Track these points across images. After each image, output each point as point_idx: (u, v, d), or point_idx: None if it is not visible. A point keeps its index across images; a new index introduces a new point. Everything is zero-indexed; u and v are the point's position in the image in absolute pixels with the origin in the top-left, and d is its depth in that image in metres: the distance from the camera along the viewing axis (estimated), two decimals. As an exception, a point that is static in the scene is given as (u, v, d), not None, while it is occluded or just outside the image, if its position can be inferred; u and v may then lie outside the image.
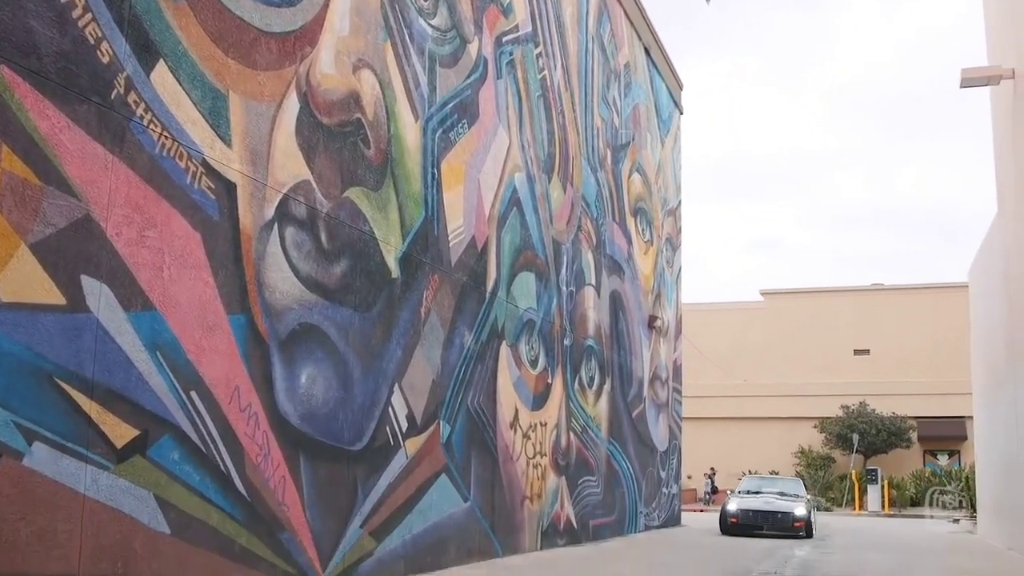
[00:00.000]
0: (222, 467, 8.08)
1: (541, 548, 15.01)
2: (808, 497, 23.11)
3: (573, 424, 16.78)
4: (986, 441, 21.01)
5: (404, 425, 11.03)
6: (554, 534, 15.69)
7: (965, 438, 40.95)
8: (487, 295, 13.44)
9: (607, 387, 18.71)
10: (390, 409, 10.72)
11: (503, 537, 13.71)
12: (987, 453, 20.94)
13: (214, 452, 8.00)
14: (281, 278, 8.98)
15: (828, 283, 51.93)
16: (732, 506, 22.00)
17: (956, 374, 40.27)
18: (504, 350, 13.97)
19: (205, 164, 8.07)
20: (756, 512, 21.53)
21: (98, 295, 6.94)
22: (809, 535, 20.98)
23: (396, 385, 10.87)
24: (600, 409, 18.31)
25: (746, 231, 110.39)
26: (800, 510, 21.40)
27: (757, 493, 23.11)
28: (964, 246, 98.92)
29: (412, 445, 11.18)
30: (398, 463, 10.85)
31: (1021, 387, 15.86)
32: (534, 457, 15.00)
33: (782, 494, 22.85)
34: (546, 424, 15.54)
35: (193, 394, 7.78)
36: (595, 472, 17.85)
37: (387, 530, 10.62)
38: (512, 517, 14.11)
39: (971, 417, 37.14)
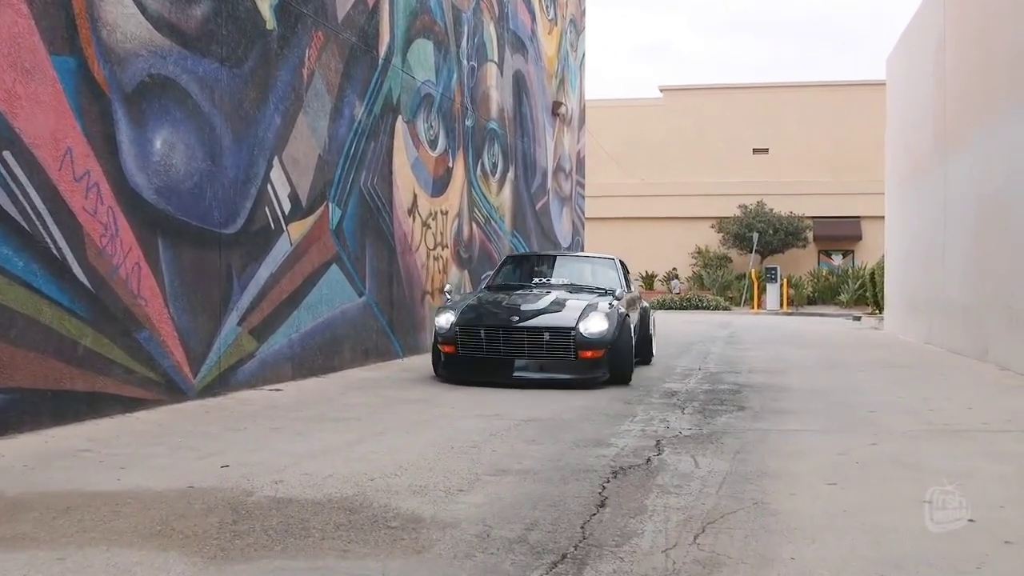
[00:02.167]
0: (54, 250, 6.41)
1: (443, 348, 13.77)
2: (626, 298, 10.80)
3: (476, 214, 15.32)
4: (901, 236, 20.18)
5: (287, 206, 9.40)
6: (456, 333, 14.43)
7: (860, 238, 41.04)
8: (380, 61, 11.62)
9: (511, 175, 17.20)
10: (269, 186, 9.06)
11: (403, 336, 12.39)
12: (901, 248, 20.16)
13: (41, 231, 6.30)
14: (123, 15, 7.10)
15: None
16: (445, 318, 9.97)
17: (855, 174, 39.98)
18: (400, 126, 12.26)
19: None
20: (493, 330, 9.61)
21: None
22: (620, 380, 9.71)
23: (276, 158, 9.18)
24: (503, 199, 16.85)
25: (632, 37, 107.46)
26: (595, 323, 9.49)
27: (522, 291, 10.95)
28: (860, 56, 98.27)
29: (296, 230, 9.59)
30: (281, 250, 9.29)
31: (952, 170, 14.90)
32: (435, 248, 13.56)
33: (574, 288, 11.05)
34: (447, 212, 14.04)
35: (7, 155, 6.03)
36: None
37: (270, 328, 9.15)
38: (412, 314, 12.77)
39: (869, 217, 37.26)
